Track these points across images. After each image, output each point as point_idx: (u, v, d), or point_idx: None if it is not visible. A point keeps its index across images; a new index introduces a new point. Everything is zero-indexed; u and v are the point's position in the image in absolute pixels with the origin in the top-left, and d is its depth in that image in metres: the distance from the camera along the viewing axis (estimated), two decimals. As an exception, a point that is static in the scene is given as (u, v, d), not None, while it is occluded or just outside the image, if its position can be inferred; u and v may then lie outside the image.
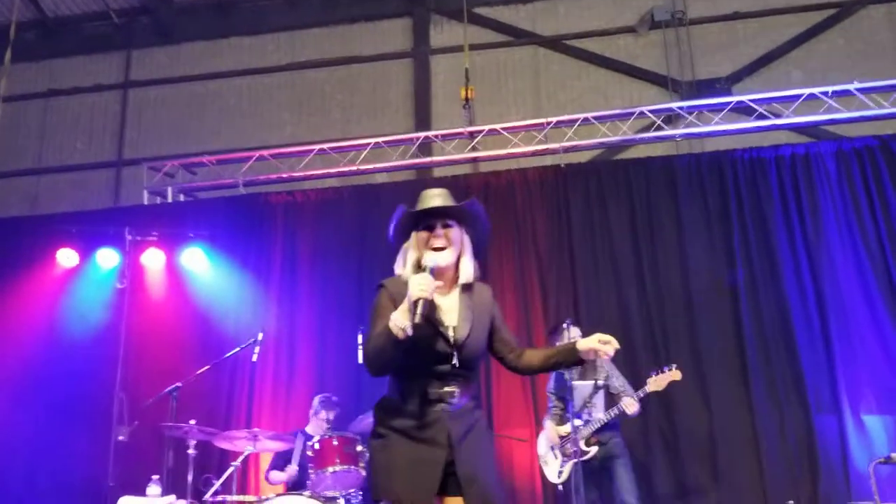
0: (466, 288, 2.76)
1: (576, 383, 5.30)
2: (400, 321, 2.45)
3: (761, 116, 6.89)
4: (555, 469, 5.49)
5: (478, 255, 2.83)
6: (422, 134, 7.48)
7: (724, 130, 6.98)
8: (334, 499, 5.15)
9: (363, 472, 5.20)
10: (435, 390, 2.61)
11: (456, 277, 2.75)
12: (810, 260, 6.42)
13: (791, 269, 6.42)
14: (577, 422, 5.20)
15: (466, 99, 7.33)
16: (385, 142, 7.43)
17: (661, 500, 6.06)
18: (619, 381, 5.48)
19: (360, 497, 5.34)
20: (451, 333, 2.64)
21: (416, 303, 2.43)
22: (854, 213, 6.49)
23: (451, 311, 2.69)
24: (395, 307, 2.54)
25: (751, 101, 6.90)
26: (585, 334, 6.58)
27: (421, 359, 2.60)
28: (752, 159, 6.69)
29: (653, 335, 6.40)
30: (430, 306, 2.57)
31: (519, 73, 8.30)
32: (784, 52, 7.66)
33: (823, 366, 6.18)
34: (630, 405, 5.21)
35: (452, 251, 2.69)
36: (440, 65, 8.50)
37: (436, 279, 2.58)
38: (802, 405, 6.11)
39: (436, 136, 7.44)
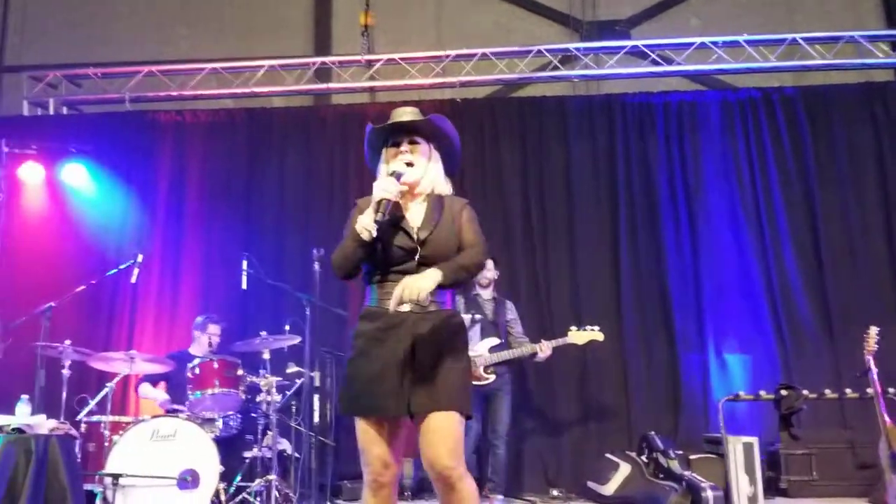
0: (438, 199, 2.79)
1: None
2: (365, 222, 2.56)
3: (655, 62, 7.02)
4: None
5: (452, 172, 2.88)
6: (318, 59, 7.28)
7: (618, 74, 7.09)
8: (212, 420, 5.22)
9: (243, 396, 5.26)
10: None
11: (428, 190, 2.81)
12: (688, 206, 6.69)
13: (670, 213, 6.68)
14: (482, 347, 5.39)
15: (365, 26, 7.17)
16: (280, 65, 7.22)
17: (532, 432, 6.34)
18: (515, 323, 5.63)
19: (238, 419, 5.43)
20: (414, 233, 2.68)
21: (379, 203, 2.55)
22: (733, 163, 6.76)
23: (418, 216, 2.74)
24: None
25: (645, 46, 7.01)
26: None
27: (385, 257, 2.66)
28: (641, 104, 6.86)
29: (535, 271, 6.60)
30: (397, 209, 2.66)
31: (422, 1, 8.13)
32: (684, -2, 7.76)
33: (692, 307, 6.52)
34: (546, 348, 5.35)
35: (420, 167, 2.76)
36: (344, -15, 8.22)
37: (408, 192, 2.72)
38: (670, 343, 6.47)
39: (332, 63, 7.27)
